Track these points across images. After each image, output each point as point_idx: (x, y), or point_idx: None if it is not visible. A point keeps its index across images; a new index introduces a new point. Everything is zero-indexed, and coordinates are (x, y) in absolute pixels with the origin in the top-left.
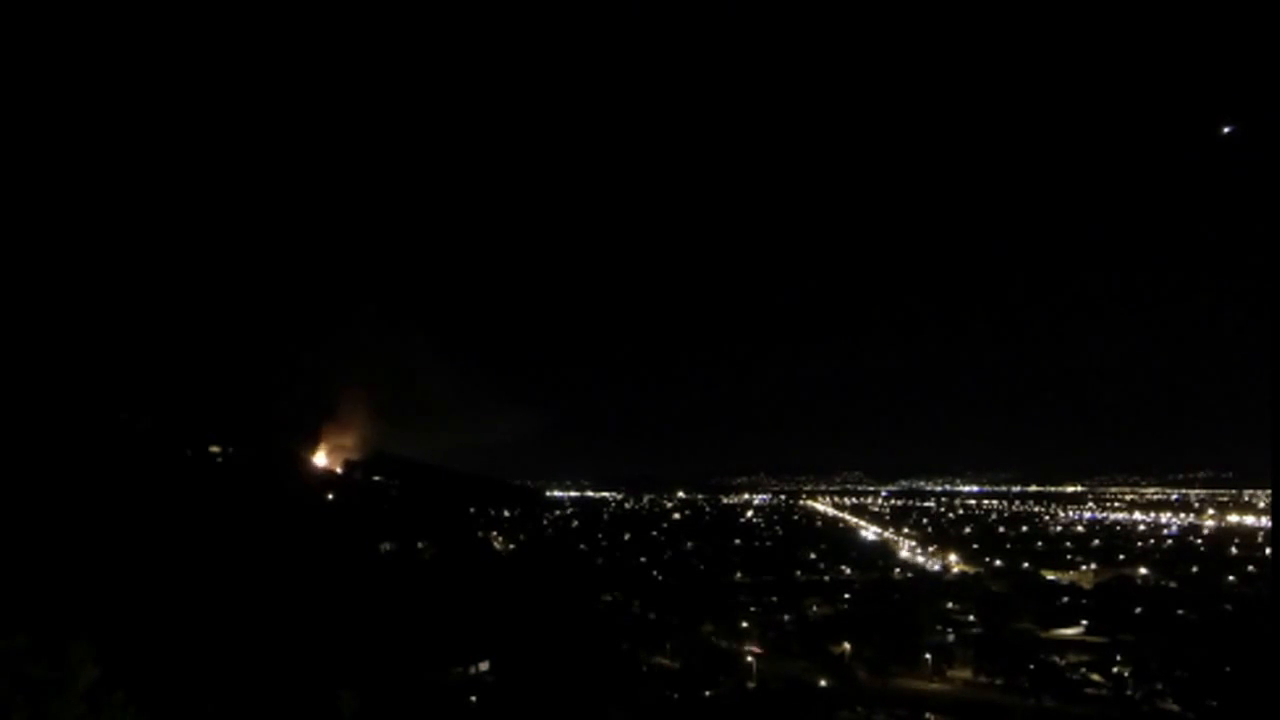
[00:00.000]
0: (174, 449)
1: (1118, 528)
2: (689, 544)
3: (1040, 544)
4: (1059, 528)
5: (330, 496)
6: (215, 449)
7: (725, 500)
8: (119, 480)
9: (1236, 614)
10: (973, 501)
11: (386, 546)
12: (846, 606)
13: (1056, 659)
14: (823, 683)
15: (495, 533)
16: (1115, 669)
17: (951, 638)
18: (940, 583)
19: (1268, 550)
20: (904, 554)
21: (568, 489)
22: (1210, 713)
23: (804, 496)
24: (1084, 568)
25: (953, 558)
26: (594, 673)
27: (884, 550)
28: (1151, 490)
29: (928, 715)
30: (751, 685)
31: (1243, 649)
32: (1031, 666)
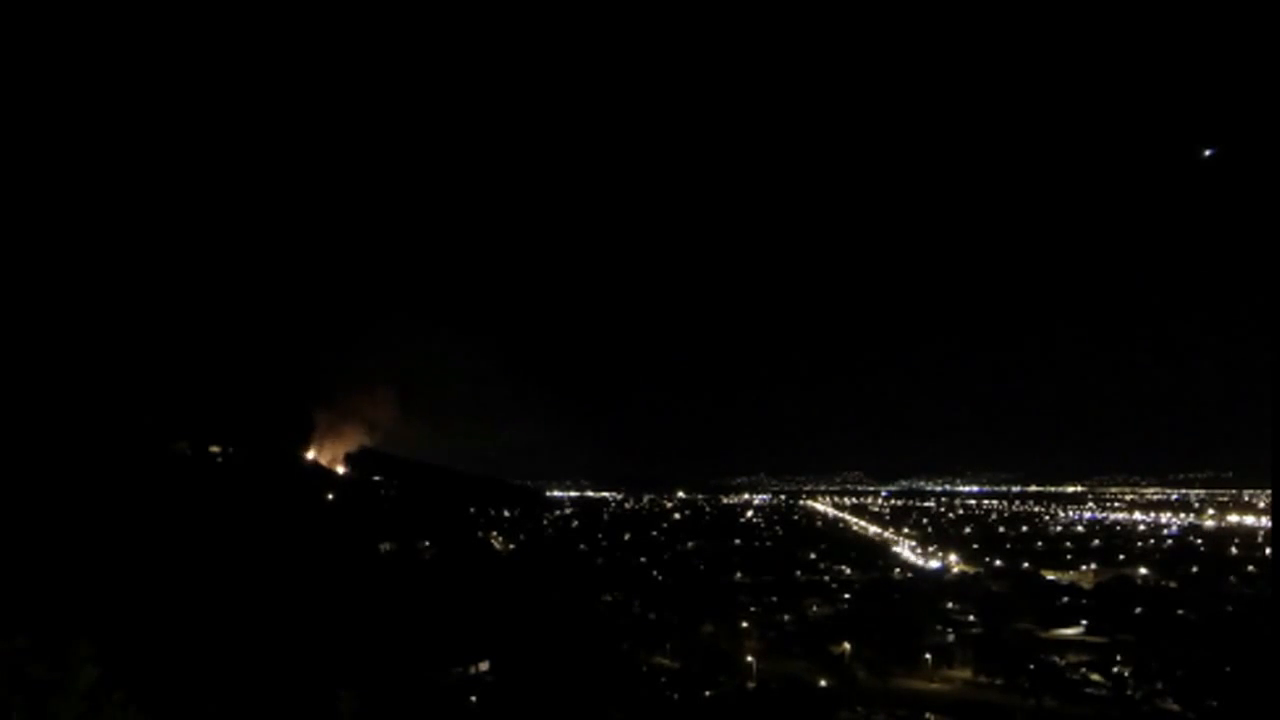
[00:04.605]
0: (174, 449)
1: (1118, 528)
2: (689, 544)
3: (1040, 544)
4: (1059, 528)
5: (330, 496)
6: (215, 449)
7: (725, 500)
8: (119, 480)
9: (1236, 614)
10: (973, 501)
11: (386, 546)
12: (846, 606)
13: (1056, 659)
14: (823, 683)
15: (495, 533)
16: (1115, 669)
17: (951, 638)
18: (940, 583)
19: (1268, 550)
20: (904, 554)
21: (568, 489)
22: (1210, 713)
23: (804, 496)
24: (1084, 568)
25: (953, 558)
26: (594, 673)
27: (884, 550)
28: (1151, 490)
29: (928, 715)
30: (751, 685)
31: (1243, 649)
32: (1031, 666)
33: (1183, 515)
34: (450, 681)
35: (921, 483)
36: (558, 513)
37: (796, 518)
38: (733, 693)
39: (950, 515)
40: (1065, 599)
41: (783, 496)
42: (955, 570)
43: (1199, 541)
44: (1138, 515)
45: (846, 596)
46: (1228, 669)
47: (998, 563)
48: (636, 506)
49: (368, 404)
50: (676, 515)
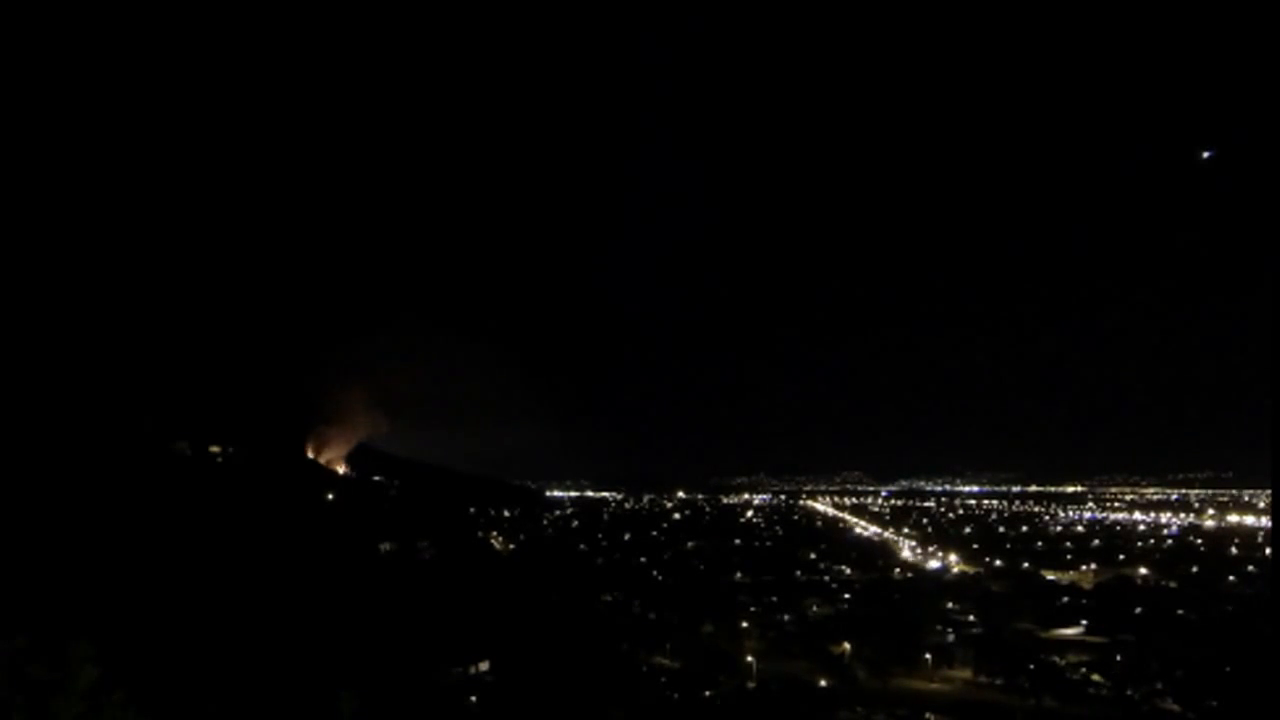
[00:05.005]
0: (174, 449)
1: (1118, 528)
2: (689, 544)
3: (1040, 544)
4: (1059, 528)
5: (330, 496)
6: (215, 449)
7: (725, 500)
8: (119, 480)
9: (1236, 614)
10: (973, 501)
11: (386, 546)
12: (846, 606)
13: (1056, 659)
14: (823, 683)
15: (495, 533)
16: (1115, 669)
17: (951, 638)
18: (940, 583)
19: (1268, 550)
20: (904, 554)
21: (568, 489)
22: (1210, 713)
23: (804, 496)
24: (1084, 568)
25: (953, 558)
26: (594, 673)
27: (884, 550)
28: (1151, 490)
29: (928, 715)
30: (751, 685)
31: (1243, 649)
32: (1031, 666)
33: (1183, 515)
34: (450, 681)
35: (921, 483)
36: (558, 513)
37: (796, 518)
38: (733, 693)
39: (950, 515)
40: (1065, 599)
41: (783, 496)
42: (955, 570)
43: (1199, 541)
44: (1138, 515)
45: (846, 596)
46: (1228, 669)
47: (998, 563)
48: (636, 506)
49: (367, 404)
50: (676, 515)
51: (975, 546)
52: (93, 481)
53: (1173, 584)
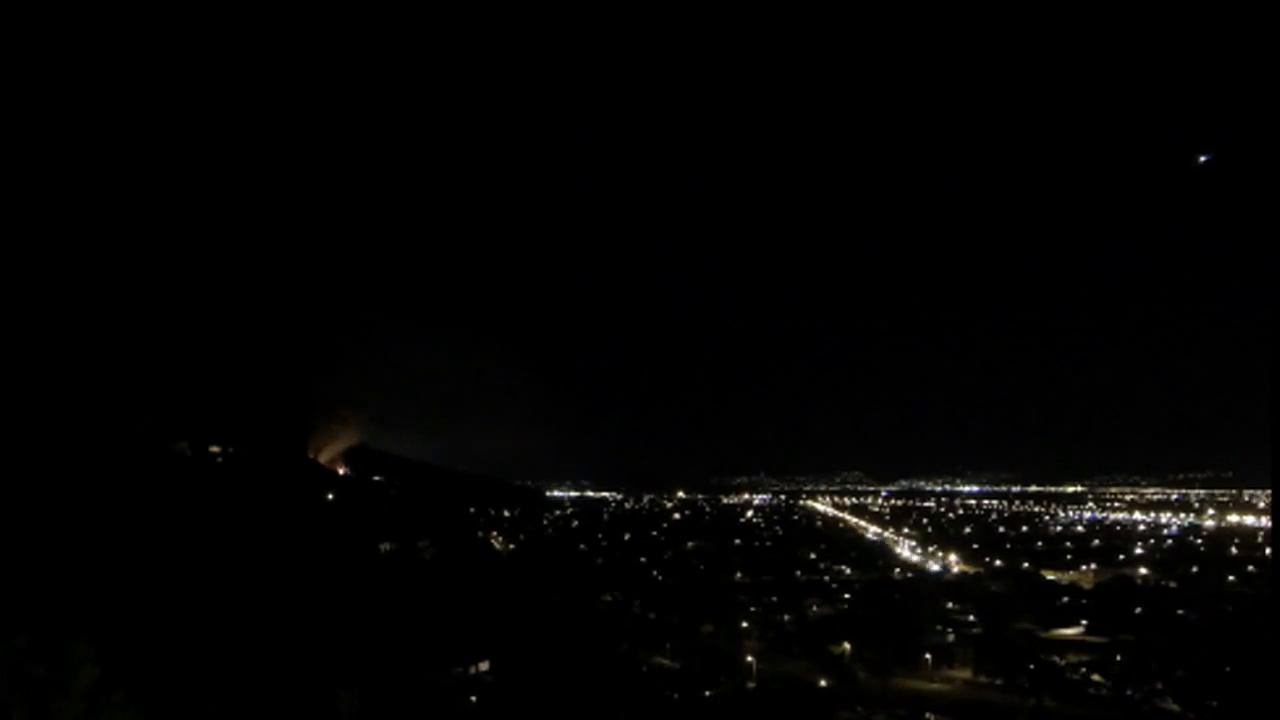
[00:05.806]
0: (174, 449)
1: (1118, 528)
2: (689, 544)
3: (1040, 544)
4: (1059, 528)
5: (330, 496)
6: (215, 449)
7: (725, 500)
8: (118, 480)
9: (1236, 614)
10: (973, 501)
11: (386, 546)
12: (846, 606)
13: (1056, 659)
14: (823, 683)
15: (495, 533)
16: (1115, 669)
17: (951, 638)
18: (940, 583)
19: (1268, 550)
20: (904, 554)
21: (568, 489)
22: (1210, 713)
23: (804, 496)
24: (1084, 568)
25: (953, 558)
26: (594, 673)
27: (884, 550)
28: (1151, 490)
29: (928, 715)
30: (751, 685)
31: (1243, 649)
32: (1031, 666)
33: (1183, 515)
34: (450, 681)
35: (921, 483)
36: (558, 513)
37: (796, 518)
38: (733, 693)
39: (950, 515)
40: (1065, 599)
41: (783, 496)
42: (955, 570)
43: (1199, 541)
44: (1138, 515)
45: (846, 596)
46: (1228, 669)
47: (998, 563)
48: (636, 506)
49: (368, 406)
50: (676, 515)
51: (975, 546)
52: (92, 481)
53: (1173, 584)
